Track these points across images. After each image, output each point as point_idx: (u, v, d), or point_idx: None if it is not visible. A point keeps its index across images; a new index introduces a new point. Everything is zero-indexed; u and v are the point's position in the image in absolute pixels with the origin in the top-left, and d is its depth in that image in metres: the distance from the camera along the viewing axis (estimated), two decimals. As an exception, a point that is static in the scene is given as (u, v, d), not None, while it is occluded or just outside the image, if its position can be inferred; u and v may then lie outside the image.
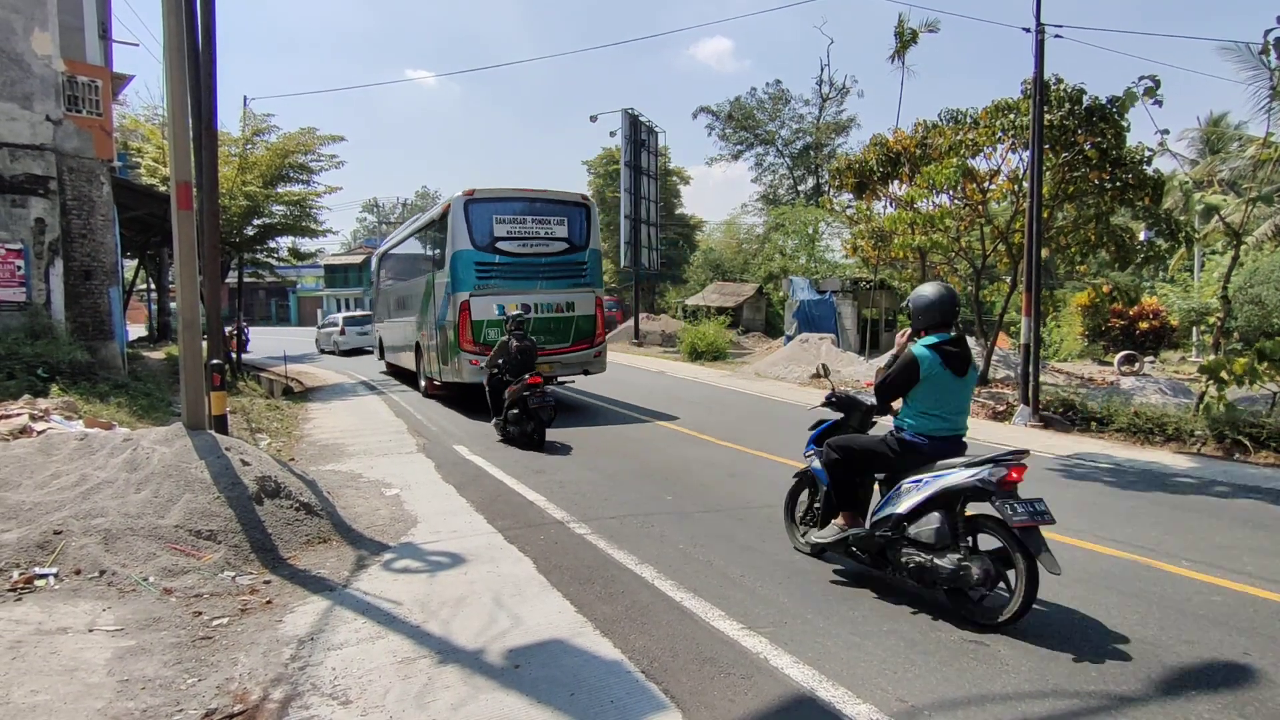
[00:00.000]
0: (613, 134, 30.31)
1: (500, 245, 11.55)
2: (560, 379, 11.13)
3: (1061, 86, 13.57)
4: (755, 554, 5.29)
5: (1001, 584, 4.01)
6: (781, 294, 32.87)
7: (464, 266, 11.29)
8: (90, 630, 3.84)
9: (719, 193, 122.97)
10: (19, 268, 10.57)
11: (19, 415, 7.26)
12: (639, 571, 4.92)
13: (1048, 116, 12.81)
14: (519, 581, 4.75)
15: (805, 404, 13.95)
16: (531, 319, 11.16)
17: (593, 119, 30.24)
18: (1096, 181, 13.96)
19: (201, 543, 4.92)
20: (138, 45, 36.01)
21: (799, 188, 46.40)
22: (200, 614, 4.14)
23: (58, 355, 9.78)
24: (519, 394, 9.09)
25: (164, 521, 4.96)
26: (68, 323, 10.91)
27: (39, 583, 4.27)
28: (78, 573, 4.42)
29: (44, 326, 10.41)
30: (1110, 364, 21.30)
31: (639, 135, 30.58)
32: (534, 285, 11.79)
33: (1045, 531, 3.88)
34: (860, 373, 17.97)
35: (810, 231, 35.31)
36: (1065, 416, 11.77)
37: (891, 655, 3.72)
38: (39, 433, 6.77)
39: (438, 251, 12.32)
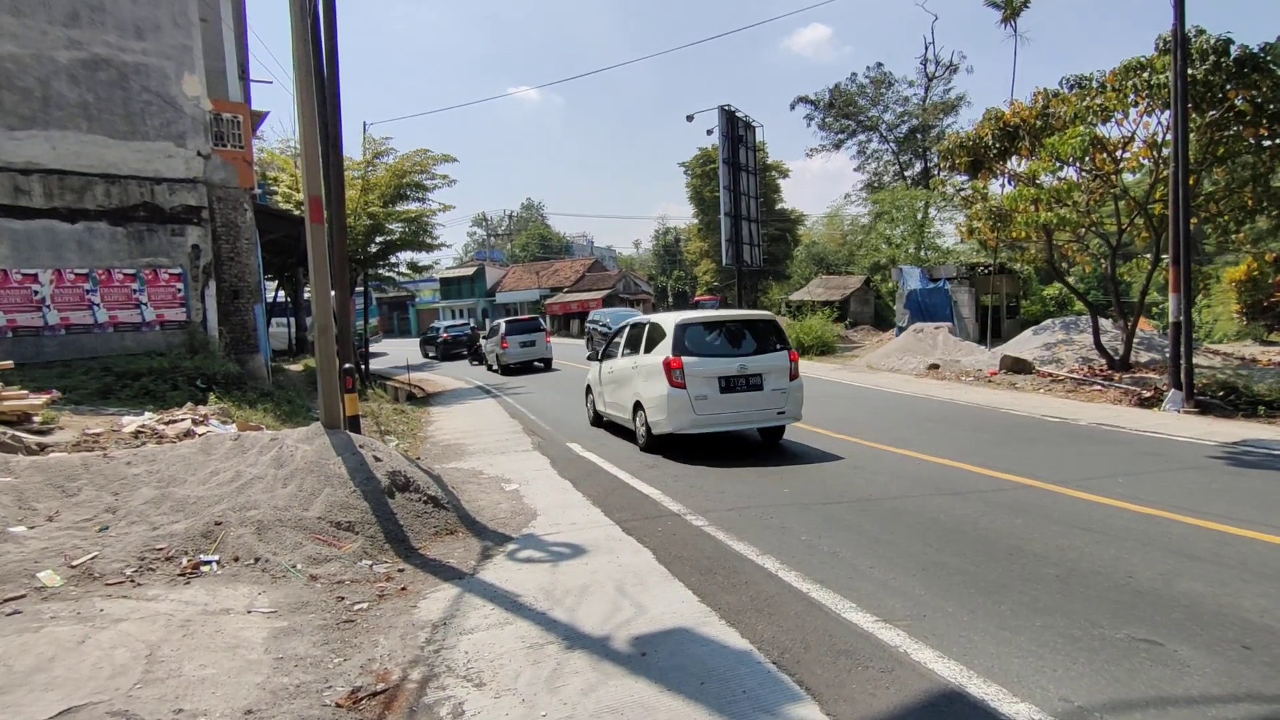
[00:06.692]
0: (709, 132, 30.14)
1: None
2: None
3: (1204, 38, 12.26)
4: (884, 546, 5.04)
5: None
6: (890, 284, 31.53)
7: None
8: (249, 612, 4.13)
9: (817, 186, 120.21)
10: (179, 290, 11.70)
11: (183, 420, 8.01)
12: (761, 562, 4.79)
13: (1190, 72, 11.60)
14: (639, 571, 4.74)
15: (925, 395, 13.30)
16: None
17: (689, 118, 30.23)
18: (1252, 140, 12.53)
19: (341, 533, 5.22)
20: (271, 83, 39.36)
21: (905, 173, 44.38)
22: (343, 599, 4.38)
23: (213, 367, 10.74)
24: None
25: (308, 513, 5.30)
26: (220, 338, 11.96)
27: (204, 568, 4.65)
28: (236, 559, 4.78)
29: (201, 342, 11.47)
30: (1276, 344, 19.02)
31: (736, 131, 30.25)
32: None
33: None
34: (982, 361, 16.94)
35: (919, 217, 33.69)
36: (1226, 401, 10.60)
37: (1049, 652, 3.41)
38: (200, 435, 7.43)
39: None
